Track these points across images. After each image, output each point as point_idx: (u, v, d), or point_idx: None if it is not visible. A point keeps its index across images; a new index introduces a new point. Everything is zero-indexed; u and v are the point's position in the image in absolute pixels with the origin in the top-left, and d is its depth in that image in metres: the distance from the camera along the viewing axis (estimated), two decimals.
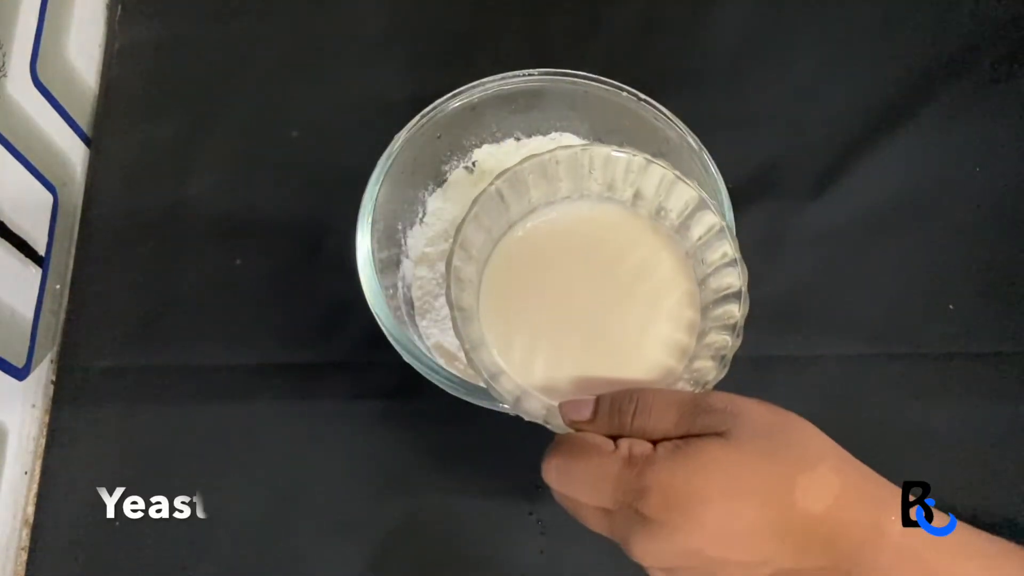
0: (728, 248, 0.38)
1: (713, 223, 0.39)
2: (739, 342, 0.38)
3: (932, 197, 0.55)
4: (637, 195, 0.40)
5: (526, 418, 0.37)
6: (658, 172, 0.39)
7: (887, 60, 0.58)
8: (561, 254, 0.41)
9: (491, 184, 0.39)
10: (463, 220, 0.38)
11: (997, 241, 0.54)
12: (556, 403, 0.36)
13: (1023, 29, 0.59)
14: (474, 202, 0.39)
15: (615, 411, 0.34)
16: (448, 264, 0.38)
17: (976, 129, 0.56)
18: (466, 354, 0.37)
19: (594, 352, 0.39)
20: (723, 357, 0.37)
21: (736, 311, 0.38)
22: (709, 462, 0.31)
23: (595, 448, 0.33)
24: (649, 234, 0.41)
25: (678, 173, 0.39)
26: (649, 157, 0.39)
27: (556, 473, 0.34)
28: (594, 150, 0.39)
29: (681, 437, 0.32)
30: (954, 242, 0.54)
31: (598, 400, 0.35)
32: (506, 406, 0.38)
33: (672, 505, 0.30)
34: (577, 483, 0.33)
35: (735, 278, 0.38)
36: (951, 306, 0.52)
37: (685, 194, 0.39)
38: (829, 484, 0.31)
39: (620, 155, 0.39)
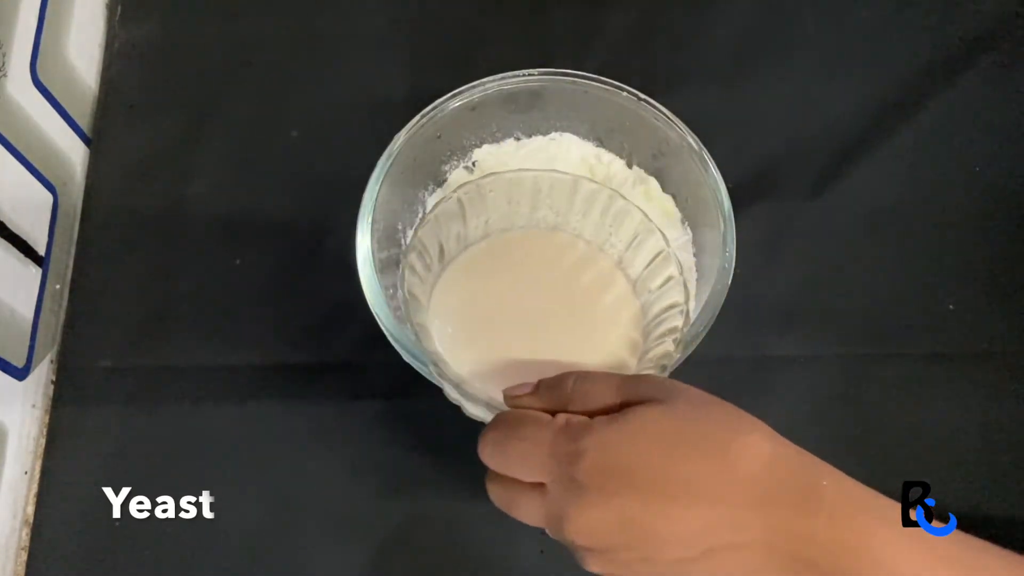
0: (672, 270, 0.40)
1: (660, 249, 0.41)
2: (681, 357, 0.39)
3: (932, 197, 0.55)
4: (583, 220, 0.43)
5: (468, 408, 0.37)
6: (603, 199, 0.41)
7: (887, 60, 0.58)
8: (516, 266, 0.43)
9: (454, 192, 0.42)
10: (422, 221, 0.41)
11: (997, 241, 0.54)
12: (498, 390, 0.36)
13: (1023, 28, 0.59)
14: (435, 206, 0.41)
15: (554, 385, 0.34)
16: (405, 255, 0.39)
17: (976, 129, 0.56)
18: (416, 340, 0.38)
19: (539, 359, 0.40)
20: (664, 367, 0.38)
21: (680, 324, 0.39)
22: (647, 423, 0.31)
23: (532, 418, 0.33)
24: (601, 258, 0.43)
25: (629, 201, 0.41)
26: (608, 188, 0.41)
27: (491, 447, 0.34)
28: (549, 176, 0.42)
29: (619, 410, 0.32)
30: (954, 242, 0.54)
31: (539, 381, 0.35)
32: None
33: (608, 468, 0.30)
34: (513, 457, 0.33)
35: (679, 295, 0.40)
36: (951, 306, 0.52)
37: (634, 222, 0.41)
38: (761, 448, 0.31)
39: (564, 176, 0.42)
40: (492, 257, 0.43)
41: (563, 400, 0.33)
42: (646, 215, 0.41)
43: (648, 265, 0.41)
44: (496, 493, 0.35)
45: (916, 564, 0.30)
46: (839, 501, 0.30)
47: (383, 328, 0.44)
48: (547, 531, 0.33)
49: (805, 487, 0.31)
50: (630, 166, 0.52)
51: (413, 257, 0.39)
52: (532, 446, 0.32)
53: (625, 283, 0.42)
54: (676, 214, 0.51)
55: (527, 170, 0.42)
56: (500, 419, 0.34)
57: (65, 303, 0.53)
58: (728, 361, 0.50)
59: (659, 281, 0.41)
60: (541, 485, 0.33)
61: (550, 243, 0.44)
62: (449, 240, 0.42)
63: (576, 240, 0.44)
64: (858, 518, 0.30)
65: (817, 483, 0.31)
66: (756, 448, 0.31)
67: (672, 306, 0.40)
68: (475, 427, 0.49)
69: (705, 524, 0.30)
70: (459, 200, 0.42)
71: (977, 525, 0.48)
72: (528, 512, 0.33)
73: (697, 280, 0.48)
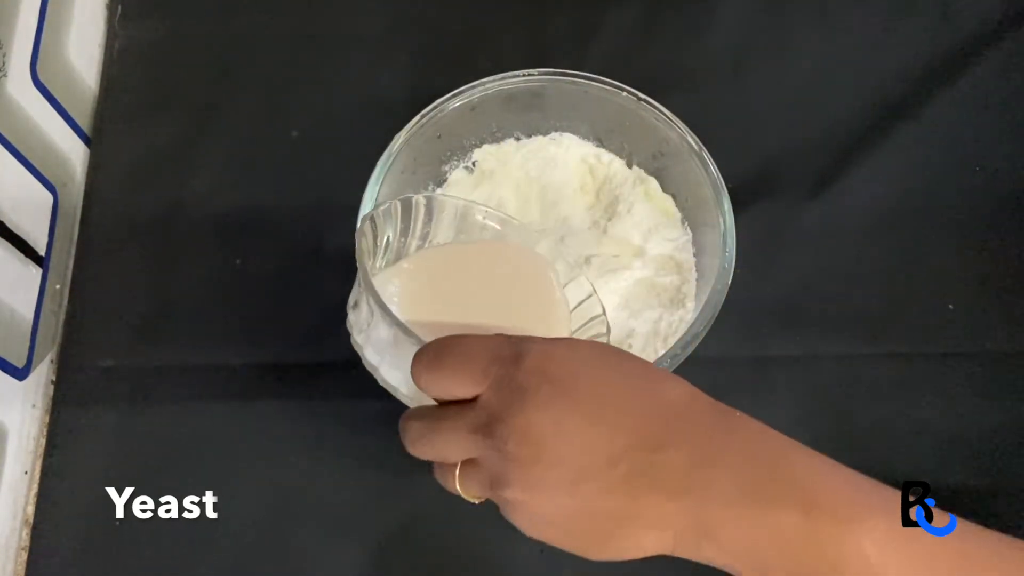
0: (597, 306, 0.42)
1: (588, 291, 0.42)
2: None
3: (932, 197, 0.55)
4: None
5: (383, 374, 0.39)
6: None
7: (887, 60, 0.58)
8: (465, 270, 0.44)
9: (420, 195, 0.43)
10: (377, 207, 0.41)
11: (997, 241, 0.54)
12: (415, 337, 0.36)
13: (1022, 28, 0.59)
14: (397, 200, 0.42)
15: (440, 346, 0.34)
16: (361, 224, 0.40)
17: (976, 128, 0.56)
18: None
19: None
20: None
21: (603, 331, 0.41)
22: (584, 346, 0.33)
23: (448, 409, 0.33)
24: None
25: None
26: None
27: (417, 444, 0.34)
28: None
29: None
30: (954, 242, 0.54)
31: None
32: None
33: (548, 373, 0.31)
34: (439, 445, 0.33)
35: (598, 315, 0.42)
36: (951, 306, 0.52)
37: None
38: (684, 388, 0.32)
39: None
40: (444, 261, 0.44)
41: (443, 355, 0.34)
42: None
43: (577, 306, 0.43)
44: (437, 474, 0.35)
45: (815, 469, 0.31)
46: (752, 427, 0.32)
47: None
48: (487, 490, 0.33)
49: (722, 415, 0.32)
50: (630, 166, 0.52)
51: (363, 240, 0.39)
52: (453, 431, 0.33)
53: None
54: (676, 214, 0.51)
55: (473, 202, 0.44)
56: (415, 413, 0.35)
57: (65, 303, 0.54)
58: (728, 361, 0.50)
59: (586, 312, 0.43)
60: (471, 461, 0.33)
61: (490, 252, 0.45)
62: (397, 236, 0.43)
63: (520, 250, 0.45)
64: (769, 442, 0.31)
65: (731, 412, 0.32)
66: (680, 387, 0.32)
67: (593, 318, 0.42)
68: None
69: (629, 441, 0.30)
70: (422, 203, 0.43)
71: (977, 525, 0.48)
72: (469, 479, 0.34)
73: (697, 280, 0.49)
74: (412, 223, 0.43)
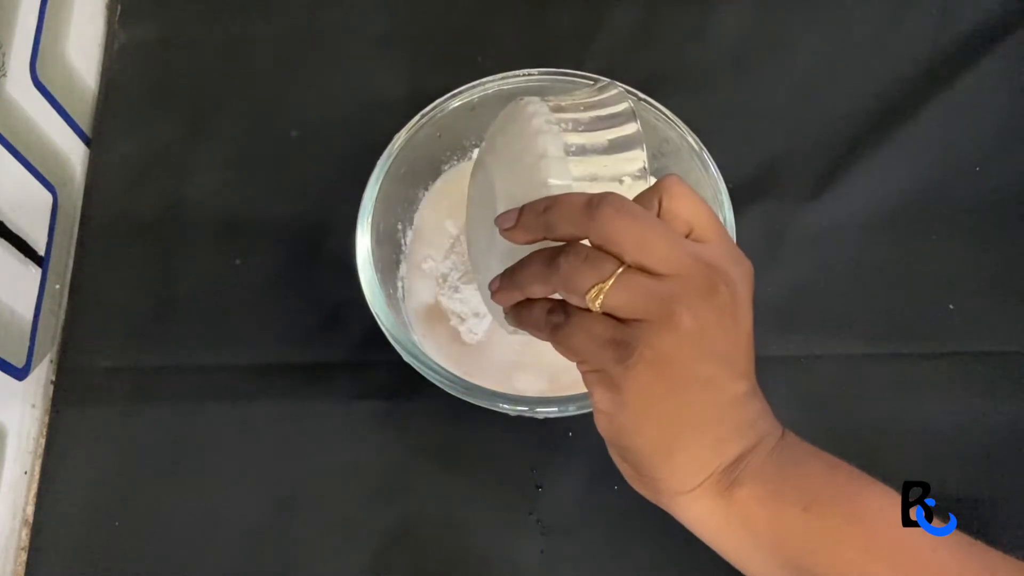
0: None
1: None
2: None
3: (932, 197, 0.55)
4: None
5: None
6: None
7: (887, 60, 0.58)
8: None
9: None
10: None
11: (997, 241, 0.54)
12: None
13: (1022, 28, 0.59)
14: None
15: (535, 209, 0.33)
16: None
17: (976, 129, 0.56)
18: None
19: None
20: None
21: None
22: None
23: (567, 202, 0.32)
24: None
25: None
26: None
27: (538, 271, 0.33)
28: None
29: None
30: (954, 242, 0.54)
31: (523, 208, 0.34)
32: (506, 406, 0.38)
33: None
34: (565, 270, 0.32)
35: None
36: (951, 306, 0.52)
37: None
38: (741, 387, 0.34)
39: None
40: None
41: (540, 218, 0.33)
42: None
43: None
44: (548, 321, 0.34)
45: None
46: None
47: (383, 328, 0.44)
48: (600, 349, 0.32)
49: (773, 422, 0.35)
50: None
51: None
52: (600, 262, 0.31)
53: None
54: None
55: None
56: (536, 255, 0.33)
57: (65, 303, 0.54)
58: None
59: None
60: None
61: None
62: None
63: None
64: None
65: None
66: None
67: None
68: (476, 427, 0.49)
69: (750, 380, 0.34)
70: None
71: (977, 525, 0.48)
72: (589, 328, 0.32)
73: None
74: None
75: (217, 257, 0.54)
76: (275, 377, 0.51)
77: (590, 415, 0.44)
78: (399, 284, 0.50)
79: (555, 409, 0.42)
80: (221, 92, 0.59)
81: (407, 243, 0.51)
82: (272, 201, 0.55)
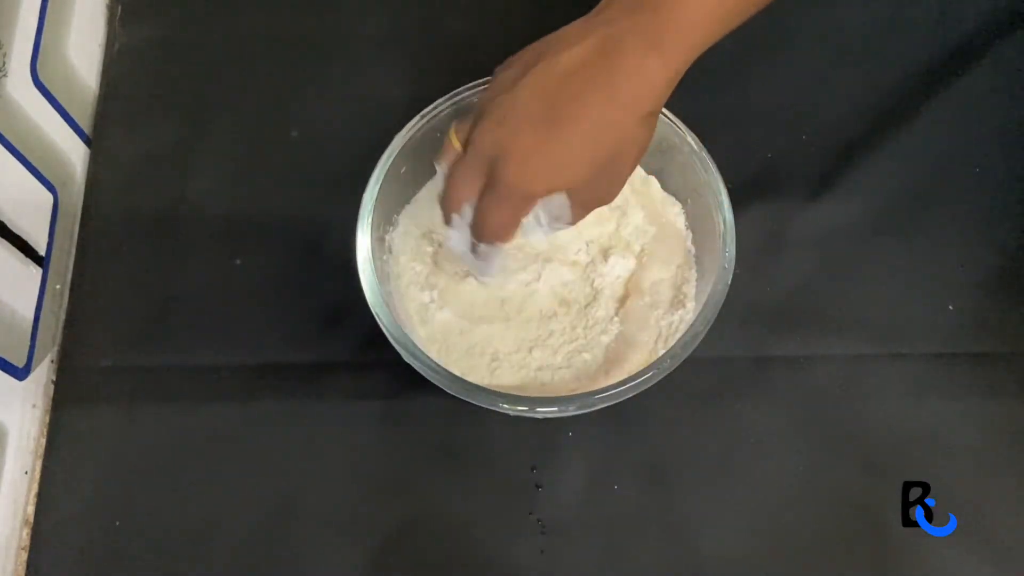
0: None
1: None
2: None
3: (932, 197, 0.55)
4: None
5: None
6: None
7: (887, 60, 0.58)
8: None
9: None
10: None
11: (997, 241, 0.54)
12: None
13: (1021, 28, 0.59)
14: None
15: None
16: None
17: (976, 129, 0.56)
18: None
19: None
20: None
21: None
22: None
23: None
24: None
25: None
26: None
27: (453, 191, 0.41)
28: None
29: None
30: (954, 242, 0.54)
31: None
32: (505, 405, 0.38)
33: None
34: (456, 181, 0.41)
35: None
36: (951, 306, 0.52)
37: None
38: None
39: None
40: None
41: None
42: None
43: None
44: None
45: None
46: None
47: (383, 328, 0.44)
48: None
49: None
50: None
51: None
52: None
53: None
54: (676, 214, 0.51)
55: None
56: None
57: (65, 303, 0.54)
58: (728, 361, 0.50)
59: None
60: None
61: None
62: None
63: None
64: None
65: None
66: None
67: None
68: (474, 428, 0.49)
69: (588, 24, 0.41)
70: None
71: (978, 525, 0.48)
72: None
73: (697, 280, 0.49)
74: None
75: (217, 257, 0.54)
76: (275, 377, 0.51)
77: (590, 415, 0.44)
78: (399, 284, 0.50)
79: (555, 409, 0.42)
80: (221, 92, 0.59)
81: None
82: (272, 201, 0.55)
